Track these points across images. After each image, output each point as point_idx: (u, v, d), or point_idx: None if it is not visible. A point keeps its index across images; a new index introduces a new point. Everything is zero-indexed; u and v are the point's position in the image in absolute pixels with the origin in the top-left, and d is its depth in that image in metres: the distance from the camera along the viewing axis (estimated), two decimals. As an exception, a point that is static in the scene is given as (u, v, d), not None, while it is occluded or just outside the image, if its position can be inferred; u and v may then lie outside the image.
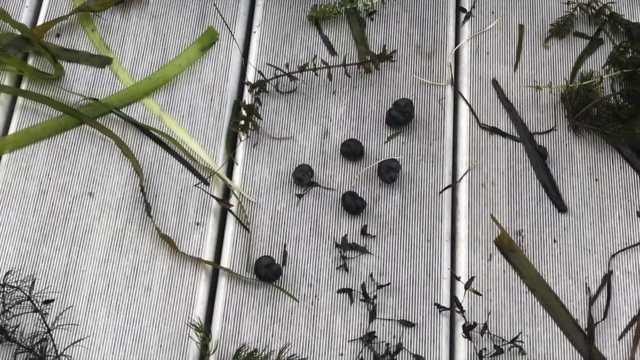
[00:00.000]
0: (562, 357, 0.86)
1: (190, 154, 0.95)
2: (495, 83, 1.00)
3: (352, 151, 0.95)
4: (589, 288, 0.89)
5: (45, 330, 0.84)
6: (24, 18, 1.04)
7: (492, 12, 1.04)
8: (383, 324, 0.87)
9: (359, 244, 0.91)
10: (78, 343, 0.85)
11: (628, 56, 0.98)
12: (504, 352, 0.85)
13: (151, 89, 0.99)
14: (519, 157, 0.96)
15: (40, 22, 1.03)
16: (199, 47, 1.01)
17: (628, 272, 0.90)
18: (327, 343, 0.86)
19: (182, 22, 1.04)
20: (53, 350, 0.84)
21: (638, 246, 0.91)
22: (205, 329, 0.86)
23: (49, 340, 0.84)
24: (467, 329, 0.86)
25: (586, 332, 0.87)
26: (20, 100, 0.99)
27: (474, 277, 0.88)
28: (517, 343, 0.85)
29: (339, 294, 0.89)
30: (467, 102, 0.99)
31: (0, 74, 1.00)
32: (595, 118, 0.96)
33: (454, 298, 0.88)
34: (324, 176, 0.95)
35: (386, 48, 1.00)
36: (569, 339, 0.87)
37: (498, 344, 0.86)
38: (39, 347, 0.83)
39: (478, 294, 0.88)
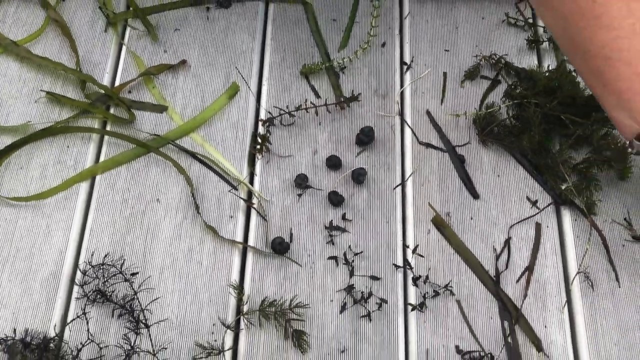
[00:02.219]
0: (479, 295, 0.88)
1: (224, 169, 0.96)
2: (428, 113, 1.01)
3: (333, 164, 0.95)
4: (495, 249, 0.91)
5: (133, 294, 0.87)
6: (106, 81, 1.04)
7: (425, 64, 1.05)
8: (359, 279, 0.89)
9: (340, 226, 0.92)
10: (155, 301, 0.88)
11: (517, 91, 0.99)
12: (440, 294, 0.87)
13: (195, 126, 0.99)
14: (446, 163, 0.97)
15: (117, 83, 1.03)
16: (226, 96, 1.01)
17: (521, 237, 0.92)
18: (322, 294, 0.88)
19: (214, 79, 1.04)
20: (139, 306, 0.87)
21: (527, 220, 0.93)
22: (239, 288, 0.87)
23: (135, 300, 0.86)
24: (415, 279, 0.88)
25: (494, 279, 0.89)
26: (106, 137, 0.99)
27: (418, 245, 0.91)
28: (449, 288, 0.88)
29: (329, 260, 0.90)
30: (410, 127, 1.00)
31: (92, 120, 1.00)
32: (496, 135, 0.96)
33: (405, 260, 0.90)
34: (315, 181, 0.96)
35: (354, 92, 1.01)
36: (483, 283, 0.89)
37: (436, 289, 0.88)
38: (129, 304, 0.86)
39: (421, 256, 0.90)
